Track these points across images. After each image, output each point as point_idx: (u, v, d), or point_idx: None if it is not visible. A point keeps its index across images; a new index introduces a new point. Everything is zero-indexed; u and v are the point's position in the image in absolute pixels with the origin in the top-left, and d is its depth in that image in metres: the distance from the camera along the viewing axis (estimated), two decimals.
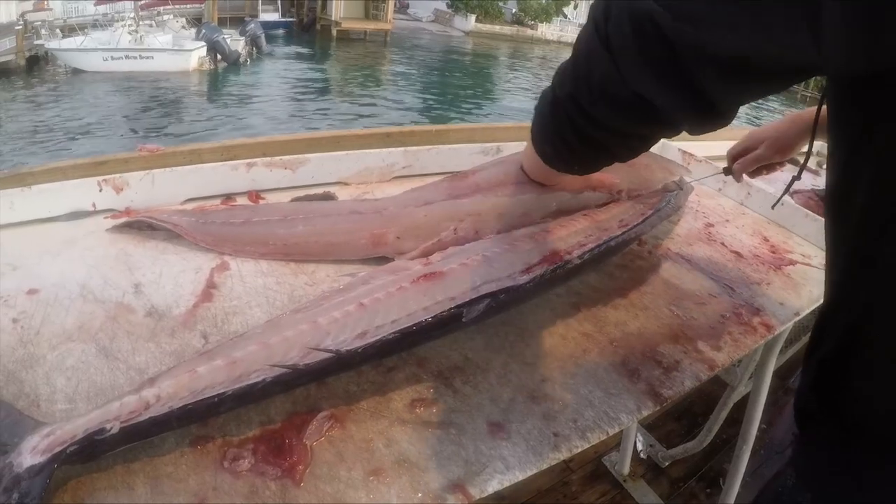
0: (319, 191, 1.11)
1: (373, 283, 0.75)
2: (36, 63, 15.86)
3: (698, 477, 2.02)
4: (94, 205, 0.96)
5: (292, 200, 1.06)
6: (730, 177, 1.19)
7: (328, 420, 0.62)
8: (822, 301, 0.55)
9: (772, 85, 0.50)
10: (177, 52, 16.32)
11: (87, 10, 18.15)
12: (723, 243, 1.19)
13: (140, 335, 0.70)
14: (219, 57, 17.33)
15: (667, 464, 2.04)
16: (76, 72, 15.34)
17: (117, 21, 16.69)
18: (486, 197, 0.95)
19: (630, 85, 0.52)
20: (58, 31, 16.40)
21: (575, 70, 0.60)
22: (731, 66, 0.46)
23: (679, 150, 1.51)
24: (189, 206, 1.02)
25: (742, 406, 1.56)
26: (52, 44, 15.64)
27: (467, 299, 0.72)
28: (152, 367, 0.65)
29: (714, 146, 1.63)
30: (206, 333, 0.72)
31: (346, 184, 1.16)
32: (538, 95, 0.73)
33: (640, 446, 2.09)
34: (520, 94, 18.48)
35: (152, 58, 15.87)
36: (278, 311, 0.77)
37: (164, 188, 1.01)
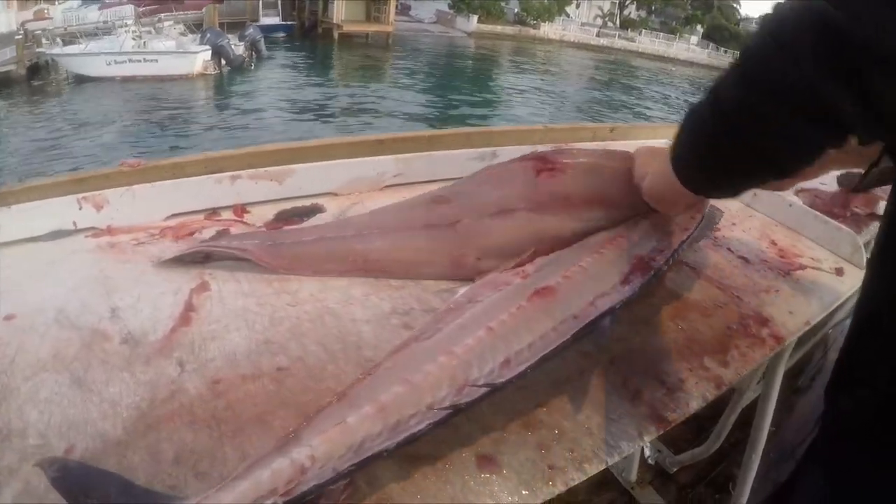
0: (307, 202, 1.07)
1: (484, 302, 0.76)
2: (37, 72, 15.91)
3: (707, 482, 1.98)
4: (74, 223, 0.93)
5: (278, 214, 1.02)
6: None
7: None
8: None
9: None
10: (182, 54, 16.35)
11: (87, 18, 18.19)
12: (729, 248, 1.14)
13: (115, 364, 0.67)
14: (223, 62, 17.36)
15: (675, 469, 2.00)
16: (79, 78, 15.36)
17: (119, 27, 16.70)
18: (572, 216, 0.92)
19: (806, 80, 0.52)
20: (58, 39, 16.40)
21: (746, 78, 0.58)
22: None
23: None
24: (172, 223, 0.99)
25: (750, 409, 1.51)
26: (55, 50, 15.67)
27: (591, 318, 0.74)
28: (126, 399, 0.62)
29: None
30: (183, 361, 0.68)
31: (335, 195, 1.12)
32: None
33: (647, 452, 2.05)
34: (525, 96, 18.43)
35: (156, 61, 15.88)
36: (258, 334, 0.74)
37: (145, 204, 0.98)
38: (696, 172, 0.71)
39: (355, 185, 1.13)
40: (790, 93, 0.53)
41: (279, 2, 25.35)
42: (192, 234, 0.96)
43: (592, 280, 0.80)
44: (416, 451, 0.60)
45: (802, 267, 1.11)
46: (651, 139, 1.53)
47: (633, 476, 1.93)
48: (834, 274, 1.10)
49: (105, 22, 17.59)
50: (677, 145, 0.70)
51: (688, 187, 0.72)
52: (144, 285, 0.82)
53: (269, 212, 1.04)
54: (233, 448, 0.57)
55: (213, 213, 1.03)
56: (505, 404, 0.67)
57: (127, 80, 15.40)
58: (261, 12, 24.42)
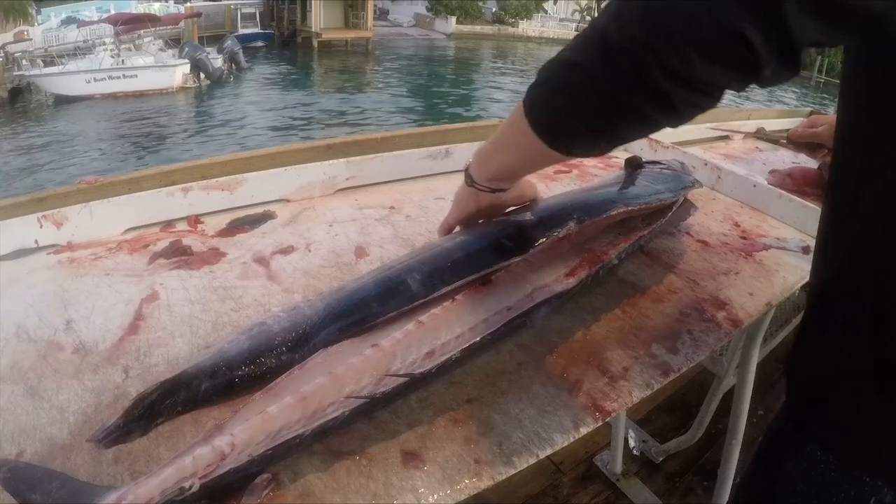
0: (260, 210, 1.07)
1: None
2: (19, 94, 15.83)
3: (694, 470, 1.99)
4: (36, 241, 0.96)
5: (230, 223, 1.02)
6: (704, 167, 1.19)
7: None
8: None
9: (842, 30, 0.47)
10: (161, 68, 16.35)
11: (67, 38, 18.13)
12: (688, 233, 1.13)
13: (65, 373, 0.69)
14: (202, 75, 17.33)
15: (661, 459, 2.00)
16: (59, 98, 15.29)
17: (98, 46, 16.66)
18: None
19: (723, 20, 0.45)
20: (39, 60, 16.38)
21: (652, 17, 0.49)
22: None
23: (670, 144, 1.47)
24: (129, 236, 1.01)
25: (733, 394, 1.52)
26: (33, 71, 15.61)
27: (525, 308, 0.74)
28: (73, 405, 0.64)
29: (679, 133, 1.59)
30: (128, 368, 0.70)
31: (287, 200, 1.12)
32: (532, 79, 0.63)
33: (632, 443, 2.05)
34: (507, 95, 18.47)
35: (136, 76, 15.88)
36: (201, 339, 0.74)
37: (102, 220, 1.00)
38: (575, 122, 0.59)
39: (307, 190, 1.13)
40: (707, 41, 0.46)
41: (257, 13, 25.35)
42: (146, 246, 0.97)
43: (535, 272, 0.80)
44: (341, 447, 0.60)
45: (766, 247, 1.10)
46: None
47: (619, 468, 1.93)
48: (801, 253, 1.09)
49: (85, 41, 17.56)
50: (542, 96, 0.60)
51: (556, 144, 0.62)
52: (98, 297, 0.83)
53: (223, 221, 1.04)
54: (167, 448, 0.59)
55: (167, 225, 1.05)
56: (434, 399, 0.67)
57: (107, 97, 15.34)
58: (239, 24, 24.40)
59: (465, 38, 31.06)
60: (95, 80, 15.52)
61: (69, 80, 15.41)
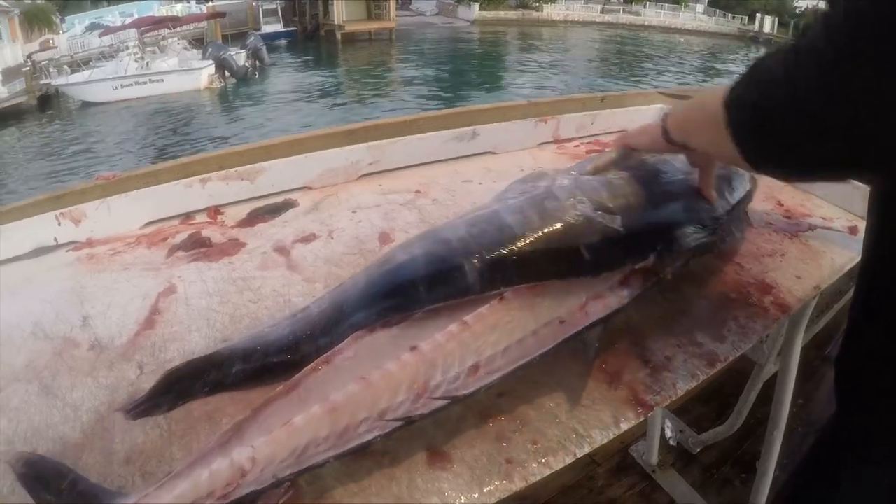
0: (281, 199, 1.05)
1: None
2: (48, 101, 16.15)
3: (732, 462, 1.91)
4: (55, 239, 0.96)
5: (251, 212, 0.99)
6: None
7: None
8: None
9: None
10: (186, 72, 16.52)
11: (91, 44, 18.48)
12: None
13: (80, 370, 0.68)
14: (227, 74, 17.49)
15: (698, 450, 1.93)
16: (86, 105, 15.57)
17: (122, 51, 16.92)
18: None
19: None
20: (65, 67, 16.71)
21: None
22: None
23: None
24: (148, 230, 1.00)
25: (774, 383, 1.44)
26: (60, 80, 15.92)
27: (580, 325, 0.65)
28: (87, 403, 0.62)
29: None
30: (143, 364, 0.68)
31: (309, 188, 1.09)
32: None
33: (668, 433, 1.99)
34: (534, 78, 18.26)
35: (162, 80, 16.08)
36: (218, 333, 0.72)
37: (120, 215, 1.00)
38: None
39: (329, 176, 1.10)
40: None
41: (279, 9, 25.48)
42: (165, 239, 0.96)
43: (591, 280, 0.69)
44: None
45: (812, 227, 1.03)
46: (645, 105, 1.46)
47: (655, 459, 1.87)
48: (847, 233, 1.02)
49: (110, 46, 17.86)
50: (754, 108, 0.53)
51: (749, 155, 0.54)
52: (115, 293, 0.82)
53: (243, 211, 1.02)
54: (180, 448, 0.57)
55: (187, 217, 1.03)
56: None
57: (134, 101, 15.57)
58: (262, 21, 24.55)
59: (489, 24, 30.75)
60: (122, 86, 15.73)
61: (96, 87, 15.65)
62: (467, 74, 19.45)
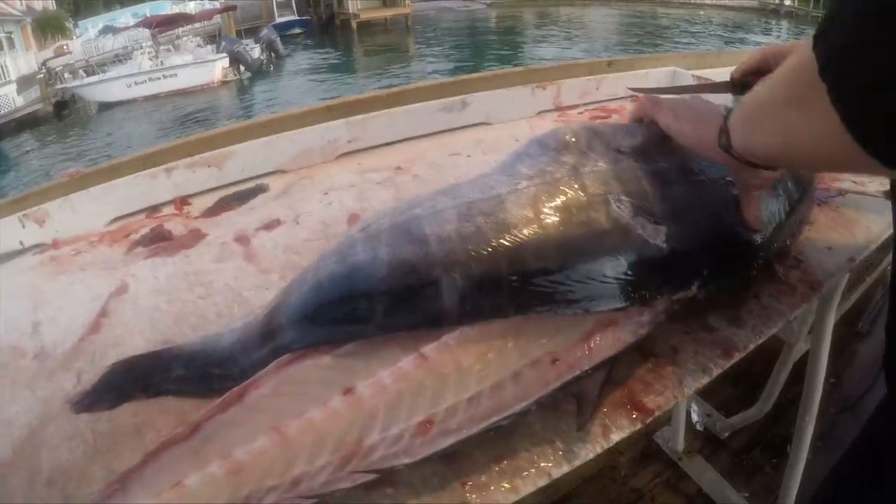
0: (252, 185, 0.97)
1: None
2: (64, 107, 16.29)
3: (762, 446, 1.80)
4: (21, 243, 0.91)
5: (218, 201, 0.92)
6: None
7: None
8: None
9: None
10: (199, 64, 16.57)
11: (105, 47, 18.67)
12: None
13: (21, 381, 0.64)
14: (242, 67, 17.52)
15: (726, 434, 1.83)
16: (102, 106, 15.70)
17: (136, 51, 17.06)
18: None
19: None
20: (81, 72, 16.85)
21: None
22: None
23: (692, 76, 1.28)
24: (113, 227, 0.94)
25: (805, 363, 1.33)
26: (74, 83, 16.07)
27: (579, 369, 0.50)
28: (22, 418, 0.58)
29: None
30: (81, 372, 0.63)
31: (283, 171, 1.01)
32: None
33: (695, 417, 1.89)
34: (551, 55, 17.91)
35: (176, 75, 16.16)
36: (160, 335, 0.65)
37: (85, 213, 0.95)
38: None
39: (304, 158, 1.02)
40: None
41: (293, 0, 25.45)
42: (127, 236, 0.90)
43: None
44: None
45: (843, 192, 0.93)
46: (656, 67, 1.35)
47: (681, 445, 1.77)
48: (882, 198, 0.91)
49: (124, 47, 18.02)
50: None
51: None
52: (69, 296, 0.77)
53: (211, 201, 0.95)
54: (101, 466, 0.51)
55: (153, 210, 0.97)
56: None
57: (149, 99, 15.69)
58: (276, 13, 24.56)
59: (507, 5, 30.35)
60: (136, 83, 15.83)
61: (109, 86, 15.74)
62: (487, 56, 19.16)
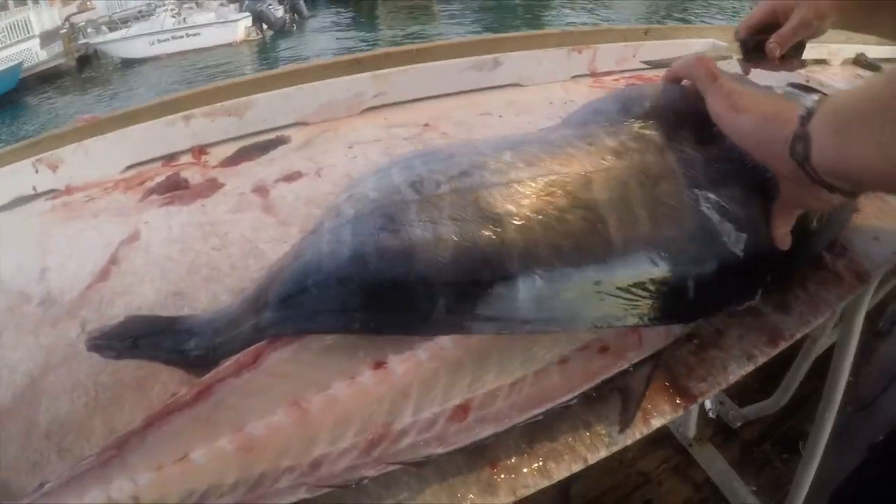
0: (272, 136, 0.93)
1: None
2: (87, 62, 16.33)
3: (774, 440, 1.78)
4: (34, 188, 0.89)
5: (237, 151, 0.89)
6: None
7: None
8: None
9: None
10: (222, 24, 16.53)
11: (129, 4, 18.53)
12: None
13: (26, 327, 0.61)
14: (265, 26, 17.40)
15: (738, 424, 1.80)
16: (125, 63, 15.77)
17: (159, 8, 16.98)
18: None
19: None
20: (103, 27, 16.81)
21: None
22: None
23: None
24: (128, 174, 0.91)
25: (825, 356, 1.29)
26: (97, 39, 16.11)
27: (630, 362, 0.46)
28: (24, 365, 0.56)
29: None
30: (86, 321, 0.60)
31: (305, 124, 0.97)
32: None
33: (708, 404, 1.86)
34: (580, 16, 17.50)
35: (199, 34, 16.14)
36: (170, 285, 0.63)
37: (99, 159, 0.91)
38: None
39: (328, 110, 0.97)
40: None
41: None
42: (142, 183, 0.87)
43: None
44: None
45: None
46: (694, 38, 1.28)
47: (692, 432, 1.74)
48: None
49: (148, 4, 17.91)
50: None
51: None
52: (79, 242, 0.75)
53: (230, 150, 0.91)
54: (101, 421, 0.49)
55: (170, 159, 0.93)
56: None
57: (172, 56, 15.66)
58: None
59: None
60: (159, 41, 15.82)
61: (132, 43, 15.76)
62: (513, 21, 18.77)
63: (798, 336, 0.57)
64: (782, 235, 0.52)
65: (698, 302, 0.47)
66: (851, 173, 0.41)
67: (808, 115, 0.42)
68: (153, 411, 0.42)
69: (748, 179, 0.51)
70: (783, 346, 0.55)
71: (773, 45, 0.68)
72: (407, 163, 0.50)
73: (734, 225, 0.49)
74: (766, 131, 0.46)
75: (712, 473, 1.65)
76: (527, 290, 0.41)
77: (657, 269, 0.45)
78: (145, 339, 0.53)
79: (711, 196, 0.49)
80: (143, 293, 0.62)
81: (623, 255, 0.44)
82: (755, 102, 0.48)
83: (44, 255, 0.73)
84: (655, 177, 0.48)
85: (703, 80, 0.52)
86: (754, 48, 0.72)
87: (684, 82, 0.58)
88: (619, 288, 0.44)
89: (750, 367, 0.52)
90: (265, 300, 0.46)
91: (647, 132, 0.53)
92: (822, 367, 1.27)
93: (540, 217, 0.43)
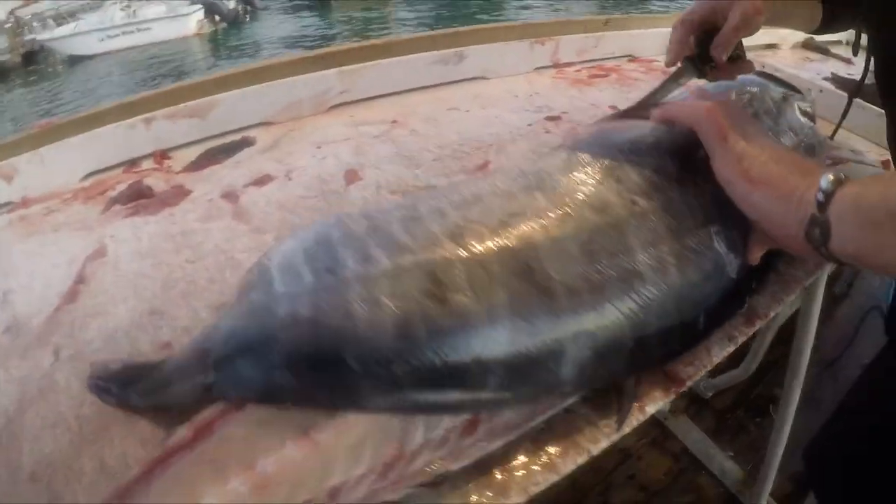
0: (237, 137, 0.91)
1: None
2: (33, 58, 15.68)
3: (746, 407, 1.84)
4: None
5: (201, 154, 0.86)
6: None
7: None
8: None
9: None
10: (174, 18, 16.04)
11: None
12: None
13: None
14: (217, 18, 16.95)
15: (710, 394, 1.86)
16: (73, 59, 15.15)
17: (107, 1, 16.34)
18: None
19: None
20: (50, 21, 16.11)
21: None
22: None
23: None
24: (87, 183, 0.87)
25: (789, 323, 1.33)
26: (44, 35, 15.44)
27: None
28: None
29: None
30: (59, 347, 0.56)
31: (270, 123, 0.95)
32: None
33: None
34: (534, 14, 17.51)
35: (150, 29, 15.63)
36: (145, 304, 0.60)
37: (57, 167, 0.86)
38: None
39: (294, 108, 0.96)
40: None
41: None
42: (104, 192, 0.83)
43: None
44: None
45: (842, 161, 0.90)
46: (650, 28, 1.31)
47: (666, 405, 1.79)
48: (881, 168, 0.91)
49: None
50: None
51: None
52: (41, 259, 0.70)
53: (194, 154, 0.89)
54: (90, 457, 0.46)
55: (131, 165, 0.89)
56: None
57: (122, 51, 15.14)
58: None
59: None
60: (108, 37, 15.28)
61: (82, 40, 15.19)
62: (469, 7, 18.67)
63: (772, 314, 0.60)
64: (754, 258, 0.53)
65: (704, 333, 0.52)
66: (874, 264, 0.40)
67: (826, 198, 0.40)
68: (147, 447, 0.40)
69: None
70: (759, 324, 0.58)
71: (720, 47, 0.68)
72: (348, 229, 0.47)
73: (734, 254, 0.51)
74: (780, 209, 0.45)
75: (689, 444, 1.70)
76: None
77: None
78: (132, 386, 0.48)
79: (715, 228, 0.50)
80: (117, 314, 0.59)
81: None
82: (768, 174, 0.46)
83: (4, 276, 0.68)
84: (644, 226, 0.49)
85: (711, 138, 0.50)
86: (701, 60, 0.71)
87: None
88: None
89: (731, 348, 0.54)
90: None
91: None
92: (787, 333, 1.31)
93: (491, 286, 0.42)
